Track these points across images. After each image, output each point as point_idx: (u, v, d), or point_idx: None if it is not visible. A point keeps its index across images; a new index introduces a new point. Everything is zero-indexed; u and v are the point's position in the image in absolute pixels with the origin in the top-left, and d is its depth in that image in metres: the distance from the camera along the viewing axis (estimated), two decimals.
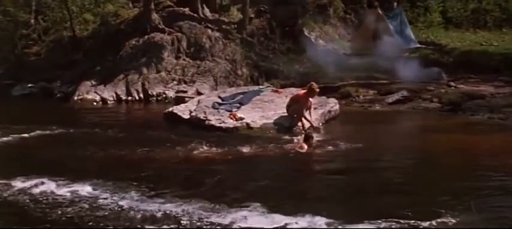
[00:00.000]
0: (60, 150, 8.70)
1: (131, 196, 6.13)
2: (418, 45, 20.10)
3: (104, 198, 6.02)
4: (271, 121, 10.40)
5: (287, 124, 10.26)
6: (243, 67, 17.16)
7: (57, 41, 19.90)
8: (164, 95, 15.81)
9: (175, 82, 16.39)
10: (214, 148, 8.69)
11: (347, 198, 6.39)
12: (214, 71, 16.69)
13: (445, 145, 9.07)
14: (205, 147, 8.69)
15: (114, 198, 5.99)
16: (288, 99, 10.72)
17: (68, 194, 6.13)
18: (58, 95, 16.47)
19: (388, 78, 16.26)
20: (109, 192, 6.21)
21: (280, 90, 13.43)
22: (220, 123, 10.39)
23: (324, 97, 13.03)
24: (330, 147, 8.80)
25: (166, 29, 17.82)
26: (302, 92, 10.26)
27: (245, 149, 8.64)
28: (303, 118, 10.12)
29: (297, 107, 10.19)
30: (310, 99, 10.24)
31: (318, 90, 10.25)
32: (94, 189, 6.28)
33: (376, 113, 12.97)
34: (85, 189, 6.27)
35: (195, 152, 8.49)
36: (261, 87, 13.75)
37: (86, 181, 6.48)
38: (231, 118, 10.51)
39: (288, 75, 16.76)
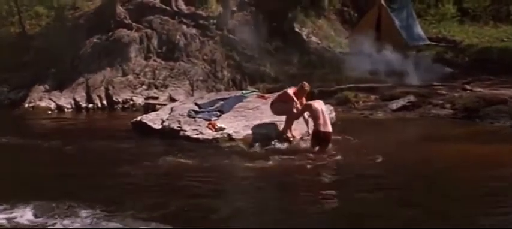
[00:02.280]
0: (1, 168, 8.57)
1: (84, 220, 6.01)
2: (428, 42, 20.41)
3: (50, 226, 5.85)
4: (257, 131, 10.51)
5: (274, 134, 10.38)
6: (224, 69, 17.29)
7: (3, 38, 19.73)
8: (131, 102, 15.83)
9: (144, 86, 16.44)
10: (188, 163, 8.73)
11: None
12: (190, 74, 16.78)
13: (462, 160, 9.12)
14: (177, 162, 8.72)
15: (64, 222, 5.86)
16: (273, 97, 10.82)
17: (4, 222, 5.85)
18: (5, 102, 16.38)
19: (393, 81, 16.52)
20: (56, 217, 6.05)
21: (266, 95, 13.44)
22: (197, 134, 10.46)
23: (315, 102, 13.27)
24: (325, 162, 8.92)
25: (134, 24, 17.87)
26: (292, 89, 10.34)
27: (225, 164, 8.69)
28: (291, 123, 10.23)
29: (284, 107, 10.28)
30: (301, 101, 10.26)
31: (308, 89, 10.38)
32: (37, 216, 6.07)
33: (378, 122, 13.18)
34: (25, 216, 6.06)
35: (165, 168, 8.54)
36: (244, 92, 13.78)
37: (28, 205, 6.26)
38: (210, 129, 10.59)
39: (276, 77, 16.94)
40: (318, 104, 9.81)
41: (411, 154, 9.55)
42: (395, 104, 14.38)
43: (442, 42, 20.82)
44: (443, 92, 15.38)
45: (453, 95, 14.86)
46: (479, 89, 15.46)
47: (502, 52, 18.27)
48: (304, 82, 10.54)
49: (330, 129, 9.55)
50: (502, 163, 8.80)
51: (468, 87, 15.74)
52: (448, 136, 11.18)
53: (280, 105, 10.44)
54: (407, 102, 14.37)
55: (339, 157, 9.20)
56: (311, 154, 9.40)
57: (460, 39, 20.77)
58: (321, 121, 9.47)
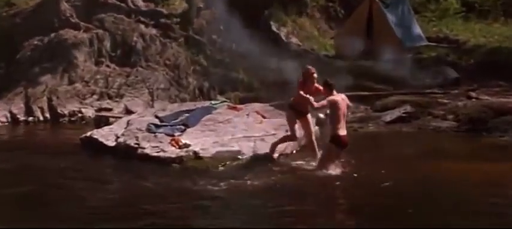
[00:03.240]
0: None
1: None
2: (427, 43, 20.90)
3: None
4: (228, 148, 10.77)
5: (248, 151, 10.69)
6: (189, 76, 17.51)
7: None
8: (80, 115, 15.77)
9: (95, 96, 16.46)
10: (147, 186, 8.90)
11: None
12: (150, 82, 16.89)
13: (466, 180, 9.18)
14: (135, 185, 8.82)
15: None
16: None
17: None
18: None
19: (386, 88, 16.90)
20: None
21: (239, 106, 13.75)
22: (157, 152, 10.65)
23: None
24: (309, 183, 9.27)
25: (82, 24, 17.89)
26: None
27: (191, 187, 8.96)
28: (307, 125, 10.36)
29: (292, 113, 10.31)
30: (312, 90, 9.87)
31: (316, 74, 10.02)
32: None
33: (369, 136, 13.49)
34: None
35: (120, 192, 8.65)
36: (213, 102, 14.03)
37: None
38: (173, 146, 10.78)
39: (251, 85, 17.24)
40: (344, 101, 9.43)
41: (408, 175, 9.71)
42: (389, 116, 14.72)
43: (444, 42, 21.29)
44: (445, 100, 15.74)
45: (456, 105, 15.14)
46: (486, 97, 15.78)
47: None
48: (309, 66, 10.55)
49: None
50: None
51: (473, 94, 16.06)
52: (450, 152, 11.43)
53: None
54: (403, 113, 14.70)
55: (323, 177, 9.49)
56: (297, 173, 9.76)
57: (464, 38, 21.16)
58: (342, 123, 9.33)
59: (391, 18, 20.60)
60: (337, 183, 9.27)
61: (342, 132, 9.24)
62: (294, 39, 20.99)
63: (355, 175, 9.52)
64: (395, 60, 18.63)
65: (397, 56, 19.15)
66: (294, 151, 11.27)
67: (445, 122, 14.13)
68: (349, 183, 9.24)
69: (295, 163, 10.43)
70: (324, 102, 9.46)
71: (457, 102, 15.44)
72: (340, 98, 9.45)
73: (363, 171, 9.69)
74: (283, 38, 20.45)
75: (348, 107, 9.69)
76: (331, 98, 9.31)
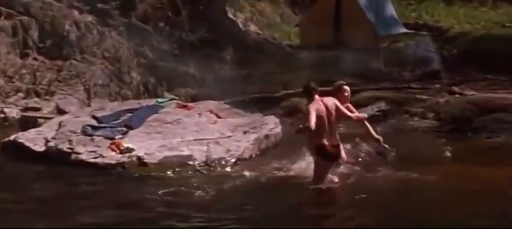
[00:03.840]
0: None
1: None
2: (405, 30, 21.13)
3: None
4: (177, 153, 10.75)
5: (201, 156, 10.68)
6: (132, 70, 17.43)
7: None
8: (2, 115, 15.55)
9: (20, 94, 16.23)
10: (78, 195, 8.83)
11: None
12: (86, 77, 16.73)
13: (449, 190, 9.07)
14: (63, 196, 8.75)
15: None
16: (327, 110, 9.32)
17: None
18: None
19: (357, 83, 17.07)
20: None
21: (190, 104, 13.75)
22: (95, 158, 10.58)
23: (257, 114, 13.57)
24: (267, 191, 9.28)
25: (3, 9, 17.61)
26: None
27: (134, 199, 8.86)
28: None
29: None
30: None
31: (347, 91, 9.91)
32: None
33: (340, 138, 13.51)
34: None
35: (49, 204, 8.50)
36: (160, 100, 14.00)
37: None
38: (113, 150, 10.74)
39: (203, 80, 17.27)
40: (329, 106, 9.20)
41: (380, 184, 9.56)
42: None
43: (423, 30, 21.56)
44: (424, 96, 16.00)
45: (437, 101, 15.41)
46: (471, 92, 15.93)
47: (503, 42, 18.53)
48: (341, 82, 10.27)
49: (337, 141, 9.18)
50: (505, 192, 8.84)
51: (457, 89, 16.26)
52: (430, 156, 11.32)
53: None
54: (377, 111, 14.88)
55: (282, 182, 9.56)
56: (258, 180, 9.76)
57: (447, 25, 21.46)
58: (328, 131, 9.01)
59: (363, 2, 20.83)
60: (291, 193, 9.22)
61: (328, 141, 8.97)
62: (252, 27, 21.07)
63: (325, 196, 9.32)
64: (368, 50, 18.88)
65: (370, 45, 19.43)
66: (253, 156, 11.30)
67: (424, 121, 14.39)
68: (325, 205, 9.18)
69: (252, 172, 10.27)
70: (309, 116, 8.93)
71: (438, 98, 15.70)
72: (323, 103, 9.16)
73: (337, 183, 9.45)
74: (241, 26, 20.50)
75: (337, 109, 9.12)
76: (309, 107, 9.09)
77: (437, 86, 17.02)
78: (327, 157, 9.07)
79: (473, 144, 12.38)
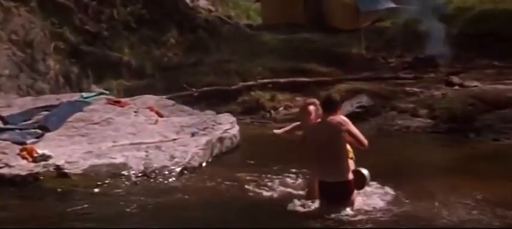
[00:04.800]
0: None
1: None
2: (392, 6, 21.27)
3: None
4: (107, 160, 10.59)
5: (138, 165, 10.57)
6: (49, 56, 17.26)
7: None
8: None
9: None
10: None
11: None
12: None
13: (446, 205, 8.86)
14: None
15: None
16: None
17: None
18: None
19: (333, 72, 17.15)
20: None
21: (123, 100, 13.72)
22: None
23: (208, 112, 13.58)
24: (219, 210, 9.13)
25: None
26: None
27: (48, 220, 8.66)
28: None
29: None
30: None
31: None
32: None
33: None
34: None
35: None
36: (85, 95, 13.94)
37: None
38: (24, 158, 10.56)
39: (141, 69, 17.34)
40: (322, 128, 8.59)
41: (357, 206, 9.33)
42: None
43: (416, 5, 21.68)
44: (416, 89, 16.21)
45: (432, 95, 15.60)
46: (474, 83, 16.08)
47: None
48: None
49: (338, 176, 8.45)
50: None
51: (456, 80, 16.40)
52: (422, 166, 11.23)
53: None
54: (358, 107, 15.07)
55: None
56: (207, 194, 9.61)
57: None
58: (319, 162, 8.60)
59: None
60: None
61: (323, 175, 8.50)
62: (202, 2, 21.02)
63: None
64: (346, 31, 18.96)
65: (349, 25, 19.52)
66: (204, 164, 11.24)
67: (415, 120, 14.45)
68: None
69: (202, 184, 10.23)
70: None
71: (432, 91, 15.86)
72: (325, 126, 8.85)
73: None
74: (187, 1, 20.46)
75: (335, 132, 8.85)
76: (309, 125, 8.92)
77: (433, 75, 17.18)
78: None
79: (477, 149, 12.26)
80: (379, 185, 9.39)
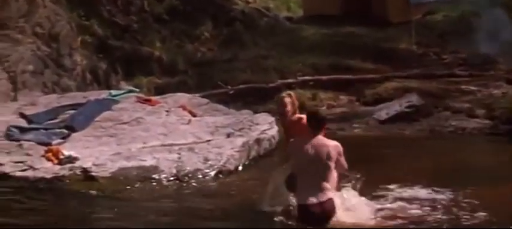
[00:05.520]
0: None
1: None
2: None
3: None
4: (137, 163, 10.69)
5: (171, 168, 10.62)
6: (75, 51, 17.36)
7: None
8: None
9: None
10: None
11: None
12: (10, 61, 16.64)
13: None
14: None
15: None
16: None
17: None
18: None
19: (381, 69, 17.11)
20: None
21: (154, 98, 13.84)
22: (23, 171, 10.47)
23: (245, 111, 13.65)
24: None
25: None
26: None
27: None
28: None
29: None
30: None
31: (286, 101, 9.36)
32: None
33: (354, 143, 13.31)
34: None
35: None
36: (114, 92, 14.09)
37: None
38: (50, 160, 10.66)
39: (173, 66, 17.38)
40: (310, 147, 8.53)
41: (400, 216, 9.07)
42: (385, 111, 15.08)
43: None
44: (472, 87, 16.20)
45: (490, 93, 15.62)
46: None
47: None
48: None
49: (321, 196, 8.35)
50: None
51: None
52: (479, 169, 11.18)
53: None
54: (407, 107, 15.01)
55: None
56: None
57: None
58: (307, 183, 8.44)
59: None
60: None
61: (304, 198, 8.37)
62: None
63: None
64: (396, 24, 18.88)
65: (398, 17, 19.42)
66: (240, 167, 11.28)
67: (472, 120, 14.42)
68: None
69: (239, 189, 10.20)
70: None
71: (491, 89, 15.88)
72: (315, 144, 8.80)
73: None
74: None
75: (338, 161, 8.91)
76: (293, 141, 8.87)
77: (491, 72, 17.09)
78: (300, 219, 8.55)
79: None
80: (429, 191, 9.45)
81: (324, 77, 16.79)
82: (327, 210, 8.29)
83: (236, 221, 8.95)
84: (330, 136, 13.68)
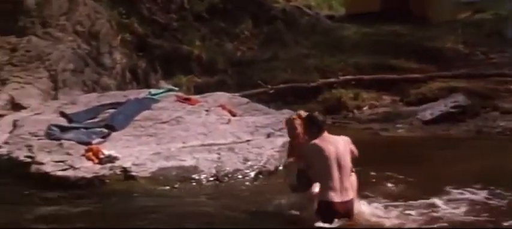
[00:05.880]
0: None
1: None
2: None
3: None
4: (176, 163, 10.76)
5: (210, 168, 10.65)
6: (115, 49, 17.53)
7: None
8: None
9: None
10: (43, 223, 8.81)
11: None
12: (51, 59, 16.78)
13: None
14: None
15: None
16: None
17: None
18: None
19: (425, 68, 17.03)
20: None
21: (194, 97, 13.90)
22: (63, 170, 10.57)
23: (285, 111, 13.54)
24: None
25: None
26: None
27: None
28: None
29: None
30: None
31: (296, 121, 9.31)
32: None
33: (397, 144, 13.55)
34: None
35: None
36: (154, 91, 14.15)
37: None
38: (90, 159, 10.77)
39: (212, 64, 17.49)
40: (338, 145, 8.72)
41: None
42: (429, 111, 15.10)
43: None
44: None
45: None
46: None
47: None
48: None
49: (350, 194, 8.60)
50: None
51: None
52: None
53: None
54: (453, 107, 15.04)
55: None
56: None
57: None
58: (335, 183, 8.56)
59: None
60: None
61: (335, 195, 8.46)
62: None
63: None
64: (442, 23, 18.79)
65: (443, 16, 19.33)
66: (281, 167, 11.15)
67: None
68: None
69: (280, 190, 9.78)
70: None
71: None
72: (330, 142, 8.85)
73: None
74: None
75: (352, 152, 9.04)
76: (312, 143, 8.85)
77: None
78: (327, 217, 8.52)
79: None
80: (471, 193, 9.42)
81: (366, 77, 16.76)
82: (349, 209, 8.43)
83: (274, 222, 8.90)
84: (373, 136, 13.86)
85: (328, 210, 8.39)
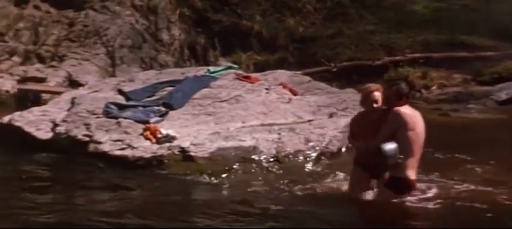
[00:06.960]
0: None
1: None
2: None
3: None
4: (236, 143, 10.86)
5: (271, 149, 10.76)
6: (173, 25, 17.80)
7: None
8: None
9: (16, 58, 16.62)
10: (101, 203, 9.05)
11: None
12: (108, 34, 16.97)
13: None
14: (82, 209, 8.82)
15: None
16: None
17: None
18: None
19: (500, 46, 17.20)
20: None
21: (253, 75, 14.00)
22: (121, 149, 10.78)
23: (348, 90, 13.75)
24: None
25: None
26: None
27: (179, 211, 8.86)
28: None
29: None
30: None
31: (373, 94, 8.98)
32: None
33: (469, 126, 13.55)
34: None
35: (56, 217, 8.55)
36: (212, 69, 14.31)
37: None
38: (148, 138, 10.96)
39: (273, 41, 17.67)
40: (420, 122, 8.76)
41: None
42: (505, 91, 15.31)
43: None
44: None
45: None
46: None
47: None
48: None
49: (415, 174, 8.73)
50: None
51: None
52: None
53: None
54: None
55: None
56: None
57: None
58: (417, 162, 8.68)
59: None
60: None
61: (413, 174, 8.64)
62: None
63: None
64: None
65: None
66: (344, 149, 11.32)
67: None
68: None
69: (344, 173, 9.92)
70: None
71: None
72: (413, 115, 8.82)
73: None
74: None
75: None
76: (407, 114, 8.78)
77: None
78: (401, 191, 8.75)
79: None
80: None
81: (435, 55, 16.72)
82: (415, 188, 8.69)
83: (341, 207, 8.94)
84: (441, 118, 13.79)
85: (407, 188, 8.61)
